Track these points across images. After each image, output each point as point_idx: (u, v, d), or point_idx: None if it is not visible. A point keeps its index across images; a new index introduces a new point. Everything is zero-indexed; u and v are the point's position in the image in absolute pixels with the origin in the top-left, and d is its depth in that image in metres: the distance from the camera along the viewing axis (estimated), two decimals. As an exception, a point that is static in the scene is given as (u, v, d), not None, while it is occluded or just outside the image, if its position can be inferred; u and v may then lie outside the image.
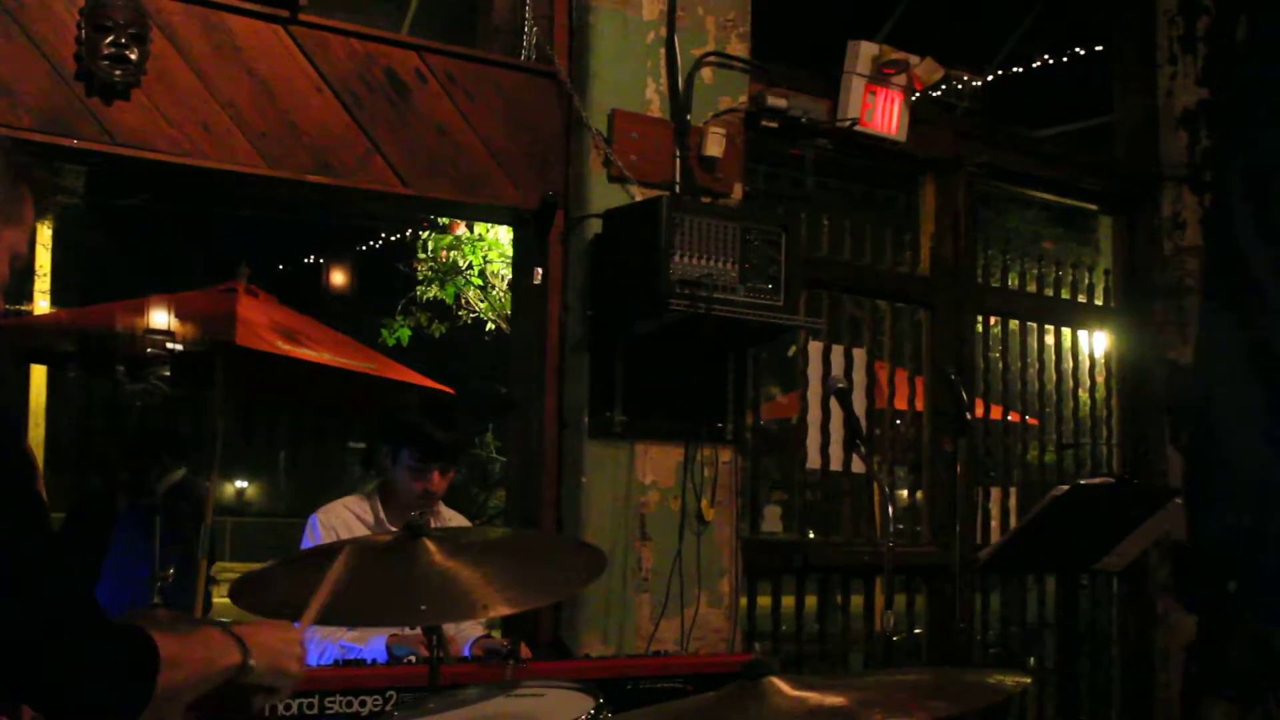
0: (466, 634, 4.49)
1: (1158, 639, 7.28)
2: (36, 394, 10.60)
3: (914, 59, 6.03)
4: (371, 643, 4.23)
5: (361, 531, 4.47)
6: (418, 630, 4.12)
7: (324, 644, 4.29)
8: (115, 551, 7.76)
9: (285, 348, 5.93)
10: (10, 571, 2.02)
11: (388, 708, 3.53)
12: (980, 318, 6.96)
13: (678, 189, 5.37)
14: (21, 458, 2.12)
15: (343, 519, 4.53)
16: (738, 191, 5.62)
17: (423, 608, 2.96)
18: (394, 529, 4.40)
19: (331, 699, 3.56)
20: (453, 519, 4.74)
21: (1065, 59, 11.09)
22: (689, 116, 5.47)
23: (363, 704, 3.58)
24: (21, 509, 2.07)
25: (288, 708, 3.50)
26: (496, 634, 4.69)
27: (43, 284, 10.53)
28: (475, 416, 10.95)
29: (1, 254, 2.27)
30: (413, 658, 4.09)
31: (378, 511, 4.56)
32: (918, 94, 6.19)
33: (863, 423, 5.18)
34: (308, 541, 4.49)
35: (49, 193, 2.40)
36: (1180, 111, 7.44)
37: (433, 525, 3.96)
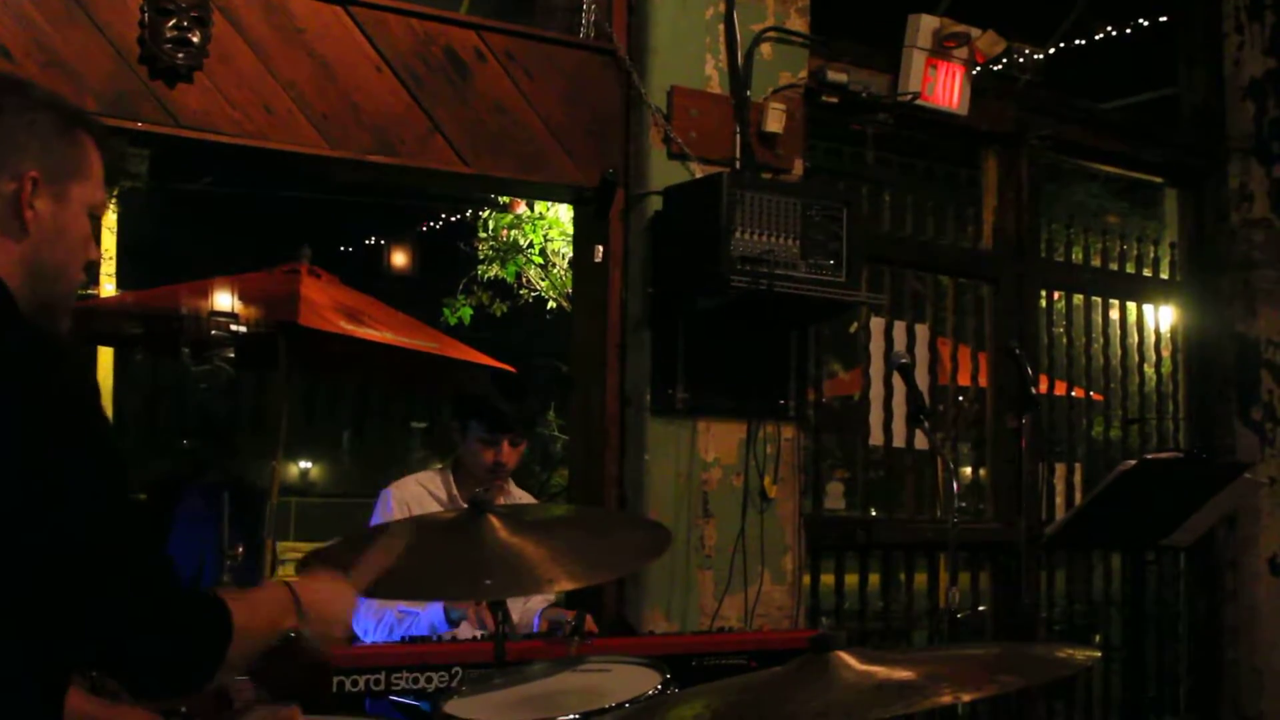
0: (533, 608, 4.51)
1: (1226, 616, 7.21)
2: (103, 376, 10.72)
3: (975, 32, 5.98)
4: (430, 606, 4.26)
5: (433, 507, 4.50)
6: None
7: (382, 611, 4.32)
8: (175, 532, 7.85)
9: (348, 328, 5.97)
10: (106, 538, 2.05)
11: (454, 683, 3.55)
12: (1044, 292, 6.90)
13: (738, 165, 5.35)
14: (109, 427, 2.15)
15: (415, 494, 4.56)
16: (798, 167, 5.59)
17: (488, 582, 2.98)
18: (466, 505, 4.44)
19: (398, 675, 3.59)
20: (523, 498, 4.76)
21: (1129, 30, 10.96)
22: (748, 92, 5.44)
23: (429, 680, 3.61)
24: (116, 478, 2.11)
25: (355, 684, 3.53)
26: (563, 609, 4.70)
27: (108, 267, 10.64)
28: (538, 395, 10.96)
29: (77, 209, 2.26)
30: (469, 625, 4.13)
31: (450, 487, 4.59)
32: (979, 67, 6.14)
33: (926, 398, 5.15)
34: (379, 515, 4.52)
35: (116, 150, 2.39)
36: (1247, 82, 7.33)
37: (503, 504, 4.00)
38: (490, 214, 8.59)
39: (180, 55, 4.47)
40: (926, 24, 5.94)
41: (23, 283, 2.16)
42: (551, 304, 8.78)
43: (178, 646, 2.12)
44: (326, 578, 2.52)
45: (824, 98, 5.75)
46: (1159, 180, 7.73)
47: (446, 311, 9.32)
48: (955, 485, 4.65)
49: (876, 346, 6.06)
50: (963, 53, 6.01)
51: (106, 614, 2.05)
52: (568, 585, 3.21)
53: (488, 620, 4.15)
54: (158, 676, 2.14)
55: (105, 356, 10.71)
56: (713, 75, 5.41)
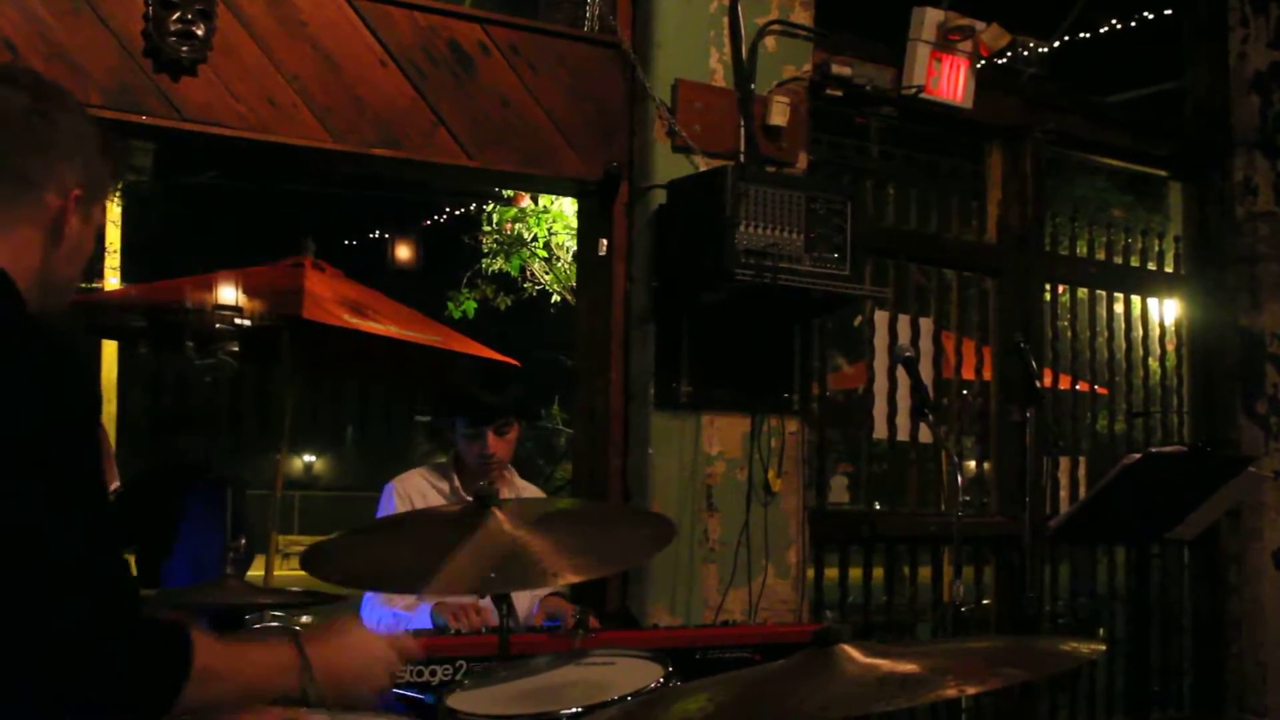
0: (534, 595, 4.50)
1: (1230, 610, 7.20)
2: (108, 370, 10.76)
3: (980, 25, 5.97)
4: (419, 611, 4.27)
5: (437, 500, 4.51)
6: (458, 600, 4.16)
7: (380, 609, 4.32)
8: (185, 527, 7.83)
9: (352, 321, 5.98)
10: (56, 564, 1.94)
11: (458, 677, 3.55)
12: (1048, 286, 6.89)
13: (742, 159, 5.35)
14: (94, 441, 2.09)
15: (418, 488, 4.57)
16: (802, 161, 5.58)
17: (491, 575, 2.98)
18: (469, 498, 4.44)
19: (402, 668, 3.58)
20: (526, 489, 4.76)
21: (1133, 23, 10.96)
22: (753, 85, 5.43)
23: (433, 673, 3.60)
24: (83, 499, 2.02)
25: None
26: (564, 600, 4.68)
27: (113, 260, 10.69)
28: (541, 388, 10.95)
29: (91, 230, 2.28)
30: (458, 629, 4.13)
31: (453, 481, 4.60)
32: (984, 60, 6.12)
33: (930, 392, 5.14)
34: (383, 509, 4.53)
35: (121, 156, 2.41)
36: (1252, 75, 7.31)
37: (506, 495, 3.99)
38: (494, 207, 8.60)
39: (184, 48, 4.47)
40: (931, 17, 5.94)
41: (32, 289, 2.15)
42: (555, 297, 8.78)
43: (128, 674, 1.99)
44: (349, 627, 2.44)
45: (828, 91, 5.74)
46: (1163, 173, 7.72)
47: (450, 305, 9.32)
48: (959, 479, 4.65)
49: (880, 340, 6.05)
50: (967, 46, 6.00)
51: (64, 630, 1.94)
52: (572, 578, 3.21)
53: (474, 623, 4.15)
54: (103, 702, 1.99)
55: (110, 350, 10.74)
56: (717, 69, 5.41)
